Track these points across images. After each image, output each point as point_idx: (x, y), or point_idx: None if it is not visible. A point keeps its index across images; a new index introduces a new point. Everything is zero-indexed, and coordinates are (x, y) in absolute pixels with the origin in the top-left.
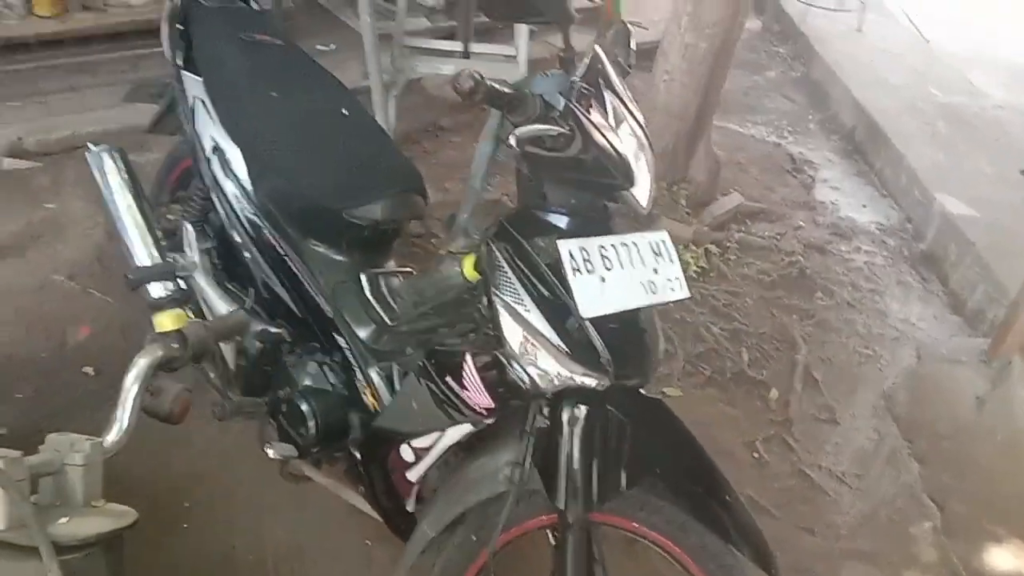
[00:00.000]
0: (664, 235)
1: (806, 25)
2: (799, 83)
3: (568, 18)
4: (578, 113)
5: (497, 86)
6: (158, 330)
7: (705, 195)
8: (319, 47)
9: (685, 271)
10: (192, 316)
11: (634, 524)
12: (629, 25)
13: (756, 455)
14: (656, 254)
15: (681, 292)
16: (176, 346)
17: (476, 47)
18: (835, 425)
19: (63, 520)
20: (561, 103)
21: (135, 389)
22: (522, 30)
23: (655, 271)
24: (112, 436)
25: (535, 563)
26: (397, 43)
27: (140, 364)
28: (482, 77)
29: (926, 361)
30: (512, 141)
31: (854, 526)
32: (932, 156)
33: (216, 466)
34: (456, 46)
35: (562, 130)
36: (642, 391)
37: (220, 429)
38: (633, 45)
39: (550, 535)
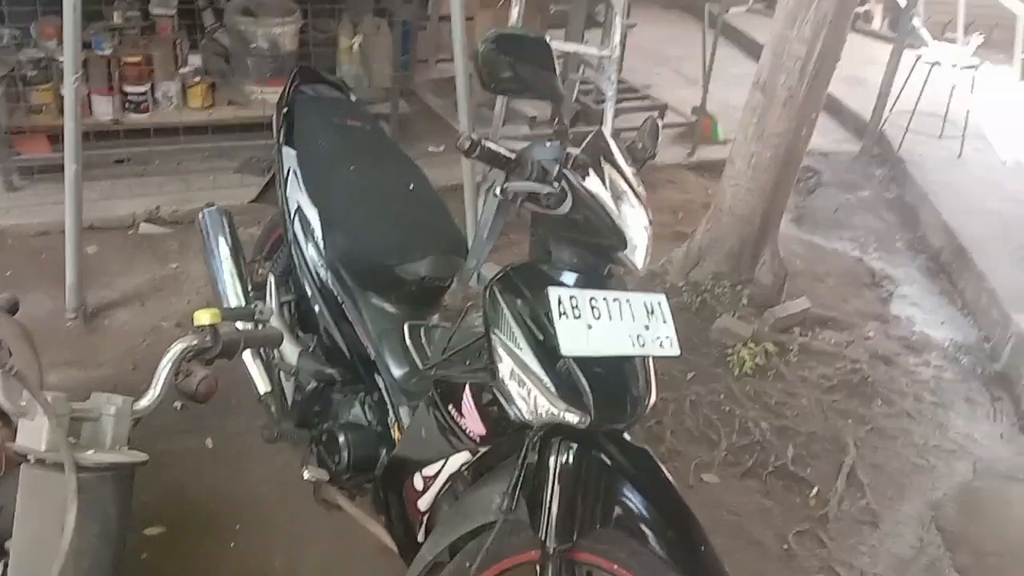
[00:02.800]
0: (661, 297)
1: (905, 149)
2: (891, 204)
3: (558, 97)
4: (570, 177)
5: (493, 147)
6: (196, 324)
7: (769, 297)
8: (430, 148)
9: (740, 367)
10: None
11: (613, 566)
12: (659, 122)
13: (786, 547)
14: (649, 312)
15: (671, 350)
16: (208, 339)
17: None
18: (875, 528)
19: (90, 452)
20: (555, 168)
21: (168, 368)
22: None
23: (645, 327)
24: (143, 401)
25: None
26: None
27: (175, 349)
28: (479, 139)
29: (982, 476)
30: (497, 191)
31: None
32: (1016, 279)
33: (268, 496)
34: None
35: (550, 189)
36: (627, 437)
37: (277, 465)
38: (660, 137)
39: (538, 572)
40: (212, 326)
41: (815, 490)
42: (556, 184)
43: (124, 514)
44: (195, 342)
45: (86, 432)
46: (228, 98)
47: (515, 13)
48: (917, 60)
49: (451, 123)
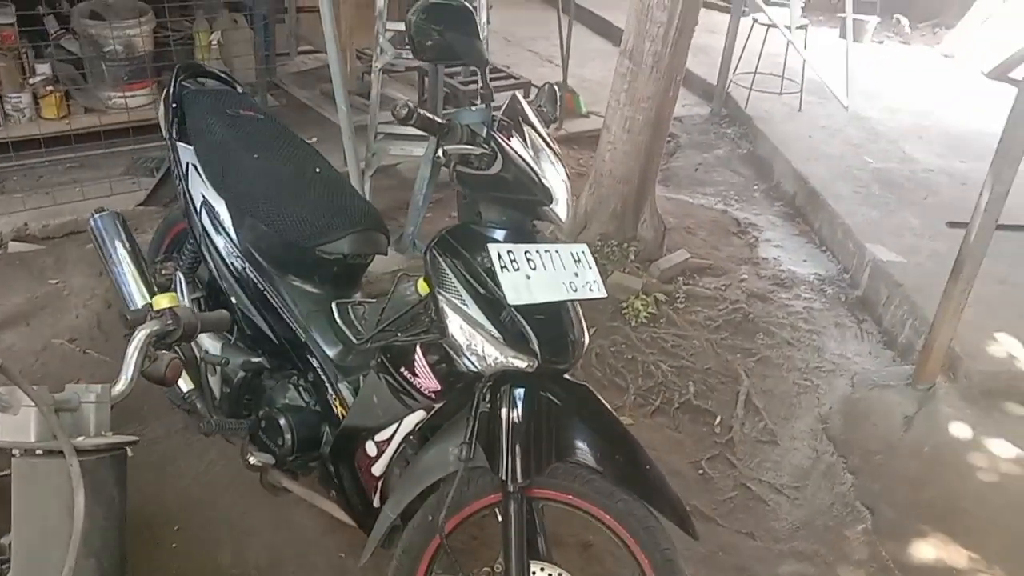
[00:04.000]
0: (583, 247)
1: (751, 108)
2: (745, 159)
3: (482, 62)
4: (498, 138)
5: (429, 115)
6: (155, 308)
7: (653, 252)
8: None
9: (636, 317)
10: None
11: (569, 496)
12: (556, 87)
13: (701, 472)
14: (576, 261)
15: (599, 292)
16: (170, 322)
17: None
18: (775, 445)
19: (80, 438)
20: (484, 131)
21: (136, 354)
22: None
23: (575, 275)
24: (119, 386)
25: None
26: (371, 131)
27: (140, 335)
28: (415, 107)
29: (859, 388)
30: (440, 153)
31: (792, 530)
32: (865, 213)
33: (203, 496)
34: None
35: (484, 150)
36: (569, 377)
37: (207, 465)
38: (558, 102)
39: (498, 515)
40: (171, 309)
41: (718, 419)
42: (487, 145)
43: (124, 494)
44: (157, 327)
45: (65, 422)
46: (85, 106)
47: (380, 2)
48: (754, 24)
49: (322, 113)
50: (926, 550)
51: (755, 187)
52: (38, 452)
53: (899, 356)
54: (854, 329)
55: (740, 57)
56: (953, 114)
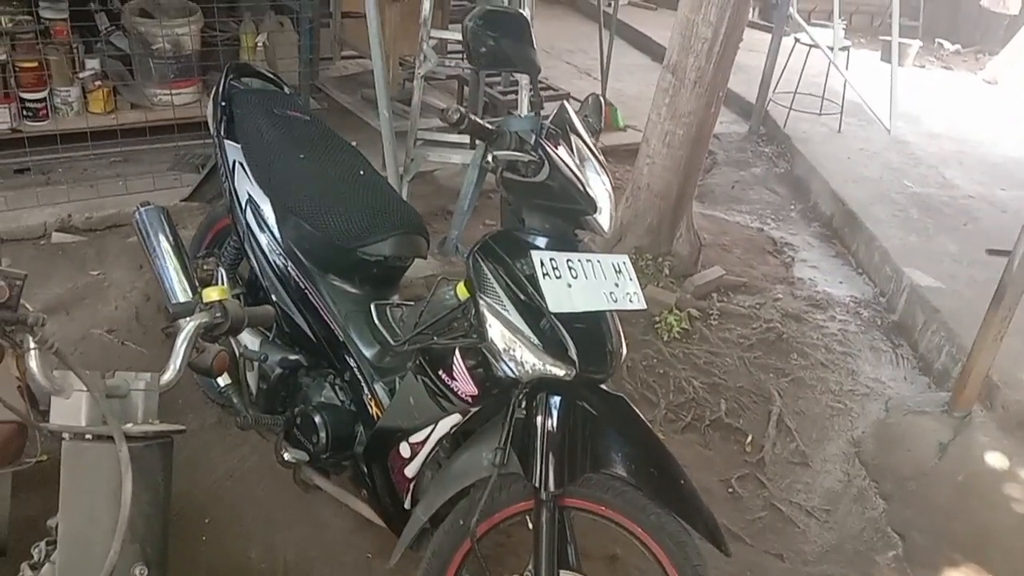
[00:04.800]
0: (624, 258)
1: (790, 128)
2: (782, 178)
3: (535, 68)
4: (546, 146)
5: (479, 121)
6: (205, 300)
7: (688, 267)
8: None
9: (669, 332)
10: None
11: (601, 507)
12: (601, 98)
13: (731, 491)
14: (617, 272)
15: (638, 304)
16: (219, 315)
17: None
18: (806, 467)
19: (128, 425)
20: (532, 138)
21: (185, 344)
22: None
23: (616, 285)
24: (167, 376)
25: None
26: (411, 137)
27: (190, 326)
28: (467, 111)
29: (894, 413)
30: (489, 157)
31: (821, 554)
32: (903, 237)
33: (235, 490)
34: (463, 139)
35: (532, 157)
36: (605, 387)
37: (240, 460)
38: (602, 113)
39: (529, 523)
40: (220, 302)
41: (749, 438)
42: (534, 152)
43: (170, 481)
44: (207, 318)
45: (114, 408)
46: (132, 102)
47: (426, 6)
48: (795, 44)
49: (362, 118)
50: None
51: (792, 207)
52: (88, 437)
53: (935, 383)
54: (889, 353)
55: (780, 76)
56: (995, 141)
